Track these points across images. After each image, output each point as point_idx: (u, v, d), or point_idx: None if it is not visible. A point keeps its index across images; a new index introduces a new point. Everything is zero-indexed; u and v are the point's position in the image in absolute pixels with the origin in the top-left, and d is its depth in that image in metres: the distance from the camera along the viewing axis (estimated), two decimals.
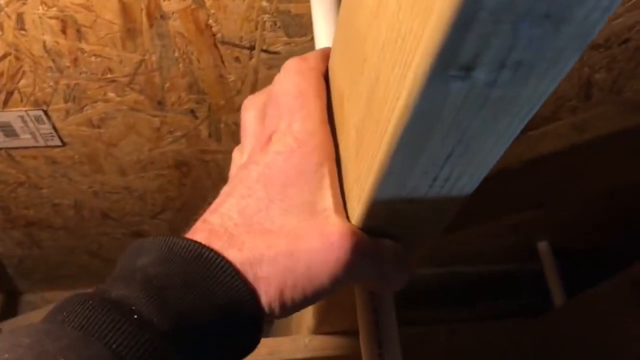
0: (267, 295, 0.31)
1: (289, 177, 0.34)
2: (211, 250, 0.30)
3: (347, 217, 0.38)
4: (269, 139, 0.36)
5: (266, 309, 0.31)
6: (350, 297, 0.50)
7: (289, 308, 0.32)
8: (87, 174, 0.87)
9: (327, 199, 0.34)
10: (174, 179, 0.92)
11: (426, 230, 0.41)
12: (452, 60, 0.22)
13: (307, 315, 0.63)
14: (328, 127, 0.37)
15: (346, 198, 0.40)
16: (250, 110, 0.39)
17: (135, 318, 0.26)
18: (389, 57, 0.27)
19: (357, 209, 0.36)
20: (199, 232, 0.32)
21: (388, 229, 0.40)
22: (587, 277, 1.13)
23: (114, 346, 0.25)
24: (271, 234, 0.32)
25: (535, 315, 1.24)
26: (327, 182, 0.35)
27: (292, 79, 0.37)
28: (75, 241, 1.07)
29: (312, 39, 0.65)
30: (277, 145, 0.35)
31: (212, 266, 0.29)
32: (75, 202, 0.95)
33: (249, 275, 0.31)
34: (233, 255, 0.31)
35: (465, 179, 0.31)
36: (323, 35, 0.55)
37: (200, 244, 0.30)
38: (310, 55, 0.41)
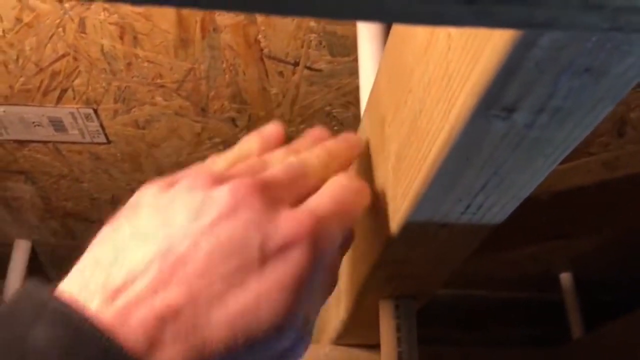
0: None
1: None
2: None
3: (382, 235, 0.40)
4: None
5: None
6: (375, 312, 0.52)
7: None
8: (126, 172, 0.91)
9: None
10: None
11: (454, 254, 0.42)
12: (495, 102, 0.24)
13: (329, 326, 0.65)
14: None
15: (380, 216, 0.42)
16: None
17: None
18: (434, 92, 0.29)
19: (390, 228, 0.38)
20: None
21: (417, 251, 0.42)
22: (606, 310, 1.13)
23: None
24: None
25: (550, 345, 1.23)
26: None
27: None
28: None
29: (355, 59, 0.68)
30: None
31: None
32: (112, 197, 0.99)
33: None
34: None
35: (496, 208, 0.33)
36: (367, 58, 0.58)
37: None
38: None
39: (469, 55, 0.24)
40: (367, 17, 0.16)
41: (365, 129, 0.48)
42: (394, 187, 0.37)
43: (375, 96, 0.45)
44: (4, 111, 0.76)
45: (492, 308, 1.36)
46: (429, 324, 1.26)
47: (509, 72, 0.22)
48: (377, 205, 0.44)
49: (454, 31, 0.26)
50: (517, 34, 0.21)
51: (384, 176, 0.40)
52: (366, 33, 0.57)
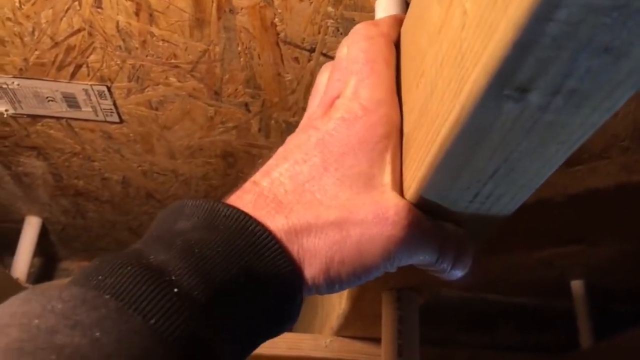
0: (311, 268, 0.30)
1: (348, 145, 0.31)
2: (257, 223, 0.28)
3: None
4: (331, 104, 0.34)
5: (309, 282, 0.30)
6: (377, 304, 0.51)
7: (336, 284, 0.31)
8: (138, 153, 0.91)
9: (386, 173, 0.32)
10: (220, 168, 0.95)
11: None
12: (508, 81, 0.23)
13: (332, 316, 0.64)
14: (397, 98, 0.34)
15: None
16: (324, 73, 0.37)
17: (176, 292, 0.25)
18: (447, 72, 0.28)
19: None
20: (246, 194, 0.31)
21: None
22: (617, 320, 1.11)
23: (152, 321, 0.24)
24: (321, 205, 0.30)
25: (559, 352, 1.21)
26: (388, 157, 0.32)
27: (361, 44, 0.35)
28: (118, 216, 1.11)
29: None
30: (341, 111, 0.33)
31: (257, 240, 0.28)
32: (123, 178, 0.99)
33: (294, 245, 0.29)
34: (279, 223, 0.29)
35: (506, 198, 0.32)
36: None
37: (246, 214, 0.29)
38: (381, 21, 0.38)
39: (484, 31, 0.23)
40: None
41: None
42: (403, 173, 0.36)
43: None
44: (19, 84, 0.76)
45: (501, 312, 1.34)
46: (437, 325, 1.25)
47: (523, 48, 0.21)
48: None
49: (469, 7, 0.25)
50: (533, 6, 0.19)
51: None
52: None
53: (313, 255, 0.30)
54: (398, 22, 0.38)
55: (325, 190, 0.31)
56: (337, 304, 0.60)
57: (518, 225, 0.36)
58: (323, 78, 0.37)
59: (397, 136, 0.33)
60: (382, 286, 0.48)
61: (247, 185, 0.32)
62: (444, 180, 0.31)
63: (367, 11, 0.61)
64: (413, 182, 0.33)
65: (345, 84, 0.34)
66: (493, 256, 1.02)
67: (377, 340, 0.58)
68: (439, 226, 0.33)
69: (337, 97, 0.34)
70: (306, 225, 0.30)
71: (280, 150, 0.34)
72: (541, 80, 0.22)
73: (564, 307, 1.24)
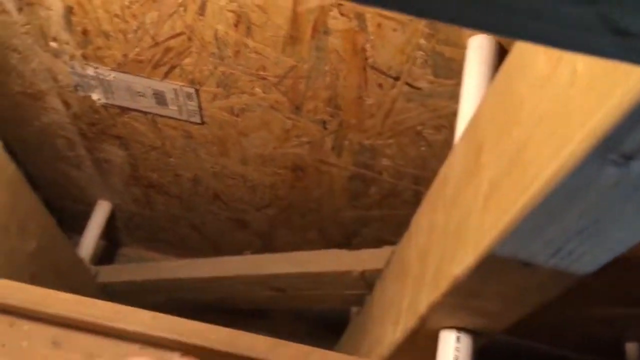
0: None
1: None
2: None
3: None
4: None
5: None
6: (434, 340, 0.51)
7: None
8: (213, 155, 0.94)
9: None
10: (288, 179, 0.97)
11: (531, 297, 0.41)
12: (615, 146, 0.23)
13: (382, 343, 0.64)
14: None
15: (459, 242, 0.41)
16: None
17: None
18: (546, 127, 0.28)
19: (470, 256, 0.37)
20: None
21: (493, 286, 0.40)
22: None
23: None
24: None
25: None
26: None
27: None
28: (184, 212, 1.15)
29: (457, 84, 0.67)
30: None
31: None
32: (195, 176, 1.02)
33: None
34: None
35: (588, 258, 0.32)
36: (472, 84, 0.57)
37: None
38: None
39: (596, 93, 0.23)
40: (511, 33, 0.16)
41: (459, 152, 0.47)
42: (482, 215, 0.36)
43: (476, 122, 0.44)
44: (114, 77, 0.81)
45: None
46: None
47: (638, 118, 0.21)
48: (457, 231, 0.43)
49: (581, 67, 0.25)
50: None
51: (472, 203, 0.39)
52: (476, 59, 0.57)
53: None
54: None
55: None
56: (391, 331, 0.60)
57: (584, 280, 0.35)
58: None
59: None
60: (443, 323, 0.48)
61: None
62: (528, 231, 0.31)
63: (460, 47, 0.61)
64: (494, 228, 0.33)
65: None
66: (550, 306, 0.99)
67: None
68: None
69: None
70: None
71: None
72: None
73: None
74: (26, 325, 0.68)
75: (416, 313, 0.50)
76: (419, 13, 0.15)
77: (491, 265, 0.37)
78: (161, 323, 0.67)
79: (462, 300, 0.43)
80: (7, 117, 0.96)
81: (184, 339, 0.66)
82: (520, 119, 0.33)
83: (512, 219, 0.31)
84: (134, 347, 0.67)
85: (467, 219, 0.40)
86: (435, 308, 0.46)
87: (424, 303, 0.48)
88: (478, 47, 0.57)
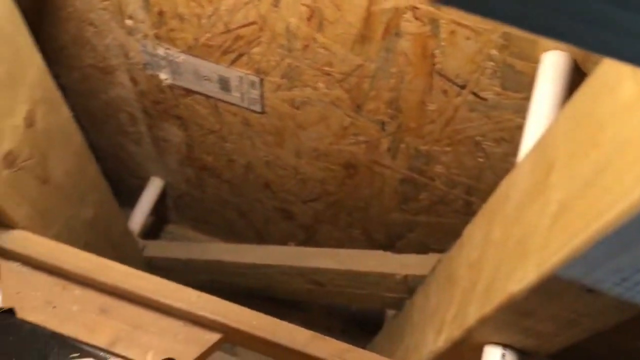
0: None
1: None
2: None
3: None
4: None
5: None
6: (478, 354, 0.51)
7: None
8: (269, 144, 0.95)
9: None
10: (339, 176, 0.97)
11: (588, 324, 0.40)
12: None
13: (421, 350, 0.64)
14: None
15: (519, 259, 0.41)
16: None
17: None
18: (630, 153, 0.28)
19: (531, 274, 0.37)
20: None
21: (549, 307, 0.40)
22: None
23: None
24: None
25: None
26: None
27: None
28: (233, 197, 1.17)
29: (525, 98, 0.66)
30: None
31: None
32: (248, 163, 1.04)
33: None
34: None
35: None
36: (542, 100, 0.56)
37: None
38: None
39: None
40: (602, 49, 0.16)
41: (525, 169, 0.46)
42: (547, 235, 0.36)
43: (548, 140, 0.43)
44: (183, 59, 0.83)
45: None
46: None
47: None
48: (517, 248, 0.42)
49: None
50: None
51: (536, 221, 0.39)
52: (549, 75, 0.56)
53: None
54: None
55: None
56: (432, 340, 0.60)
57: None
58: None
59: None
60: (489, 338, 0.48)
61: None
62: (597, 257, 0.31)
63: (532, 61, 0.60)
64: (561, 250, 0.33)
65: None
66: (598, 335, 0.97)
67: None
68: None
69: None
70: None
71: None
72: None
73: None
74: (77, 290, 0.71)
75: (463, 325, 0.50)
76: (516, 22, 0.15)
77: (552, 287, 0.36)
78: (206, 303, 0.68)
79: (513, 318, 0.43)
80: (76, 89, 0.99)
81: (226, 321, 0.67)
82: (600, 143, 0.33)
83: (582, 243, 0.31)
84: (178, 323, 0.69)
85: (529, 237, 0.39)
86: (485, 322, 0.46)
87: (472, 316, 0.48)
88: (552, 63, 0.56)
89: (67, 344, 0.65)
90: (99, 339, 0.67)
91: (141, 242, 1.18)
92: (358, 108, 0.80)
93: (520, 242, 0.41)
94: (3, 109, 0.60)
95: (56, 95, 0.68)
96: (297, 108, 0.84)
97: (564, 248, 0.32)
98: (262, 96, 0.84)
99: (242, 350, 1.18)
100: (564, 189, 0.35)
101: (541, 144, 0.45)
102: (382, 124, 0.81)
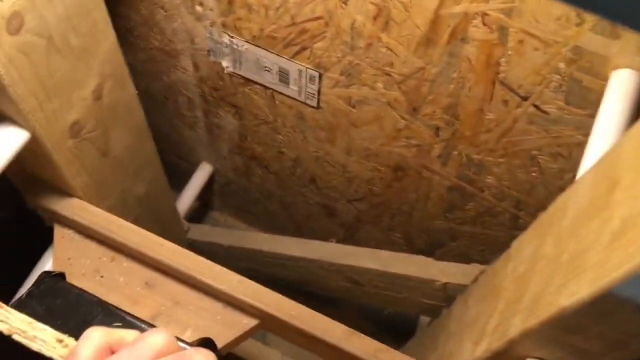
0: None
1: None
2: None
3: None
4: None
5: None
6: None
7: None
8: (320, 140, 0.96)
9: None
10: (386, 178, 0.97)
11: (635, 346, 0.39)
12: None
13: (457, 359, 0.64)
14: None
15: (572, 274, 0.40)
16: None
17: None
18: None
19: (584, 290, 0.36)
20: None
21: (598, 326, 0.39)
22: None
23: None
24: None
25: None
26: None
27: None
28: (278, 189, 1.18)
29: (589, 115, 0.64)
30: None
31: None
32: (296, 157, 1.05)
33: None
34: None
35: None
36: (608, 117, 0.55)
37: None
38: None
39: None
40: None
41: (585, 185, 0.46)
42: (607, 251, 0.35)
43: (614, 157, 0.42)
44: (246, 49, 0.84)
45: None
46: None
47: None
48: (571, 263, 0.42)
49: None
50: None
51: (595, 237, 0.38)
52: (619, 93, 0.55)
53: None
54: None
55: None
56: (469, 350, 0.60)
57: None
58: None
59: None
60: (531, 352, 0.47)
61: None
62: None
63: (600, 78, 0.59)
64: (620, 267, 0.32)
65: None
66: None
67: None
68: None
69: None
70: None
71: None
72: None
73: None
74: (125, 262, 0.73)
75: (504, 337, 0.50)
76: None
77: (605, 304, 0.36)
78: (246, 288, 0.69)
79: (559, 333, 0.42)
80: (140, 70, 1.02)
81: (265, 307, 0.68)
82: None
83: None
84: (218, 305, 0.70)
85: (586, 252, 0.39)
86: (528, 335, 0.45)
87: (516, 328, 0.47)
88: (623, 81, 0.55)
89: (111, 312, 0.67)
90: (141, 312, 0.69)
91: (186, 224, 1.21)
92: (414, 111, 0.80)
93: (575, 257, 0.41)
94: (75, 80, 0.62)
95: (124, 72, 0.71)
96: (353, 106, 0.85)
97: (624, 265, 0.32)
98: (319, 91, 0.85)
99: (274, 340, 1.19)
100: (629, 206, 0.35)
101: (605, 161, 0.45)
102: (437, 129, 0.81)
